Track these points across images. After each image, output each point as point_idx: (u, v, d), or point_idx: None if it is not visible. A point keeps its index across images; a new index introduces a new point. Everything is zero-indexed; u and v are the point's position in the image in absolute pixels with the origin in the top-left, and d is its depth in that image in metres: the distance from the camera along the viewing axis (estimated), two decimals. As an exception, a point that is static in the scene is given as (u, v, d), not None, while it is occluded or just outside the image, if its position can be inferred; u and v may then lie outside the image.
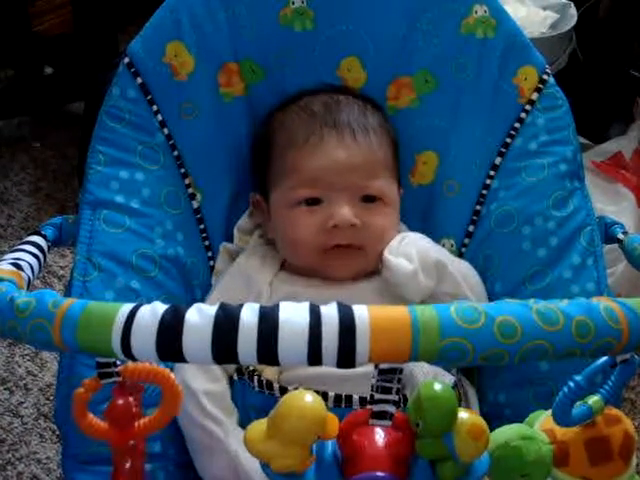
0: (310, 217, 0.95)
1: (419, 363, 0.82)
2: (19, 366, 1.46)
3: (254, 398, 0.87)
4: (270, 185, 1.01)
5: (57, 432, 1.30)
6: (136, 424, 0.57)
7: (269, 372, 0.88)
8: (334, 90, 1.03)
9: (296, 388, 0.83)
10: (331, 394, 0.84)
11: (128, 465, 0.57)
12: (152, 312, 0.51)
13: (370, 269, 0.97)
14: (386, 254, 0.95)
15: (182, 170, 1.01)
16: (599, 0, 1.89)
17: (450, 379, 0.89)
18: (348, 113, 0.99)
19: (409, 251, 0.94)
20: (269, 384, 0.86)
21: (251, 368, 0.88)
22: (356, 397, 0.84)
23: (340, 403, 0.84)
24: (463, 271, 0.97)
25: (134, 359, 0.51)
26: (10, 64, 2.08)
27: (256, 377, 0.88)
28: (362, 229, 0.95)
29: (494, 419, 0.89)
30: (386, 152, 1.00)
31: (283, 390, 0.84)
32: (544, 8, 1.69)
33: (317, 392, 0.82)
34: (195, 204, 1.03)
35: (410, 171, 1.09)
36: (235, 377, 0.90)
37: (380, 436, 0.57)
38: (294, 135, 0.98)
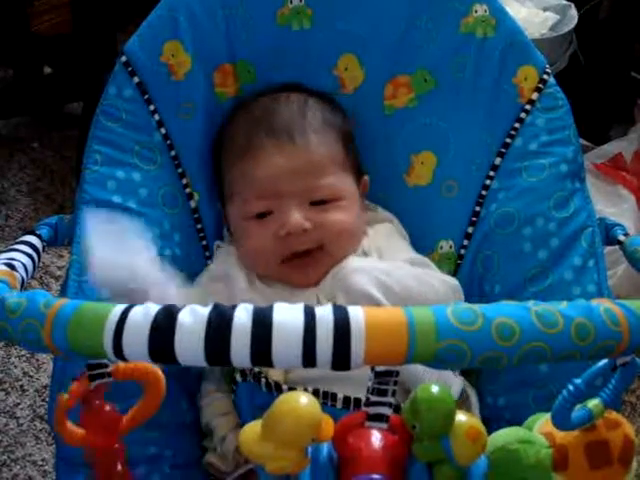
0: (263, 228, 0.95)
1: (429, 370, 0.81)
2: (15, 367, 1.45)
3: (262, 399, 0.85)
4: (225, 197, 1.01)
5: (53, 434, 1.29)
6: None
7: (275, 373, 0.86)
8: (278, 89, 1.02)
9: (305, 389, 0.82)
10: (340, 395, 0.82)
11: (119, 468, 0.56)
12: (145, 313, 0.51)
13: None
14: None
15: (179, 170, 1.01)
16: (600, 1, 1.89)
17: (457, 387, 0.87)
18: (286, 114, 0.98)
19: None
20: (277, 385, 0.85)
21: (256, 370, 0.86)
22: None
23: (349, 405, 0.82)
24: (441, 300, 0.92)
25: (125, 360, 0.51)
26: (9, 64, 2.08)
27: (263, 379, 0.86)
28: (317, 230, 0.94)
29: (493, 422, 0.89)
30: (332, 147, 0.98)
31: (292, 391, 0.82)
32: (544, 9, 1.68)
33: (326, 393, 0.82)
34: (193, 204, 1.02)
35: (406, 171, 1.08)
36: (239, 379, 0.88)
37: (376, 438, 0.56)
38: (238, 144, 0.98)
